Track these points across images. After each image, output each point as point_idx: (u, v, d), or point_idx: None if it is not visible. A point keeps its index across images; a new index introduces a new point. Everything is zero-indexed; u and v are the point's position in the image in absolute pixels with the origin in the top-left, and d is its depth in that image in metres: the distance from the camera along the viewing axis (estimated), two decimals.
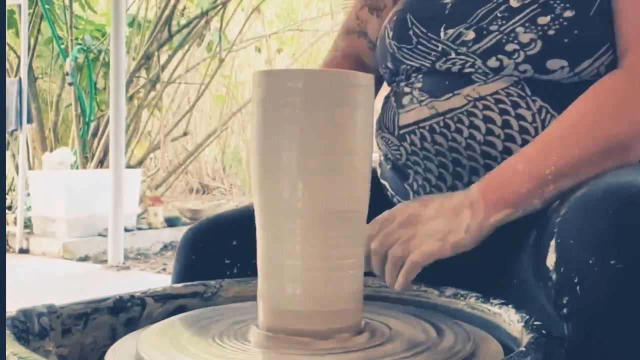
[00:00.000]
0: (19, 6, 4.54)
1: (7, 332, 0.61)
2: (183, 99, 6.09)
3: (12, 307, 0.67)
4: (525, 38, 0.83)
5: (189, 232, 0.97)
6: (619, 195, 0.63)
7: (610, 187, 0.64)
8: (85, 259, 4.05)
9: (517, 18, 0.84)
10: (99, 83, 5.09)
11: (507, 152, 0.83)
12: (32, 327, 0.67)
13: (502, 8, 0.86)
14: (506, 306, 0.69)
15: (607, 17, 0.83)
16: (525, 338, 0.60)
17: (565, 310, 0.62)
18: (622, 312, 0.60)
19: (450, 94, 0.87)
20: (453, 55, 0.88)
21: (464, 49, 0.87)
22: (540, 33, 0.82)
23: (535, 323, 0.62)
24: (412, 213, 0.77)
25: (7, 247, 4.31)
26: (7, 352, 0.55)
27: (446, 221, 0.75)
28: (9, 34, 5.10)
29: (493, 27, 0.85)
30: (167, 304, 0.78)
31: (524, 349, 0.57)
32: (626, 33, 0.81)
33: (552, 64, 0.82)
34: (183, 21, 5.26)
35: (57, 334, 0.69)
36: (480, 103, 0.85)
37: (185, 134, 5.80)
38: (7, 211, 4.71)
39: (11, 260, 3.94)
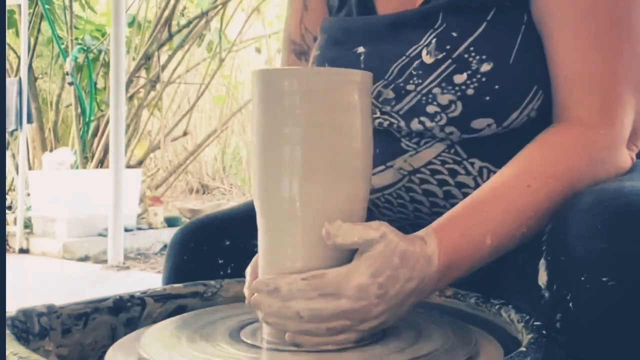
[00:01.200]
0: (19, 6, 4.54)
1: (7, 332, 0.61)
2: (183, 99, 6.09)
3: (12, 307, 0.67)
4: (444, 100, 0.76)
5: (179, 231, 0.94)
6: (608, 207, 0.60)
7: (597, 197, 0.62)
8: (85, 259, 4.04)
9: (432, 77, 0.76)
10: (99, 83, 5.09)
11: None
12: (32, 327, 0.67)
13: (415, 64, 0.78)
14: (506, 306, 0.69)
15: (530, 59, 0.76)
16: (525, 338, 0.60)
17: (558, 325, 0.62)
18: (615, 329, 0.59)
19: (383, 167, 0.82)
20: (378, 113, 0.81)
21: (387, 108, 0.80)
22: (459, 94, 0.75)
23: (535, 323, 0.62)
24: (359, 307, 0.60)
25: (7, 247, 4.31)
26: (7, 352, 0.55)
27: (395, 311, 0.63)
28: (9, 34, 5.10)
29: (410, 87, 0.78)
30: (167, 304, 0.78)
31: (524, 349, 0.57)
32: (568, 81, 0.74)
33: (478, 123, 0.76)
34: (183, 21, 5.26)
35: (57, 334, 0.69)
36: (416, 177, 0.80)
37: (185, 134, 5.80)
38: (7, 211, 4.71)
39: (11, 260, 3.94)
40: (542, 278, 0.64)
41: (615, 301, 0.58)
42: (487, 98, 0.75)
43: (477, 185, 0.77)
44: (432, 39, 0.77)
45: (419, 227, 0.80)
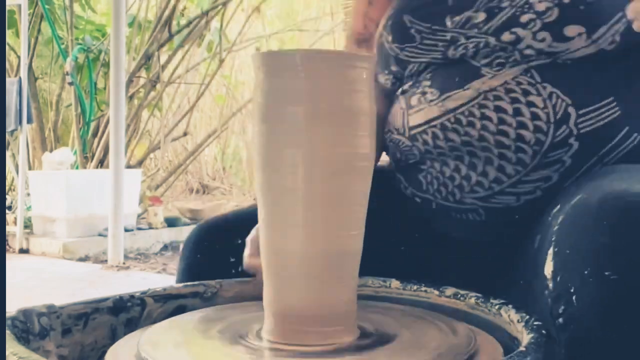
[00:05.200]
0: (19, 6, 4.54)
1: (7, 332, 0.61)
2: (183, 99, 6.09)
3: (12, 307, 0.67)
4: (541, 7, 0.83)
5: (194, 231, 0.98)
6: (615, 205, 0.62)
7: (606, 195, 0.64)
8: (85, 259, 4.05)
9: None
10: (99, 83, 5.09)
11: (520, 139, 0.83)
12: (32, 327, 0.67)
13: None
14: (506, 306, 0.69)
15: None
16: (525, 338, 0.60)
17: (561, 320, 0.62)
18: (617, 324, 0.59)
19: (460, 90, 0.86)
20: (462, 40, 0.87)
21: (474, 31, 0.86)
22: (557, 1, 0.83)
23: (535, 323, 0.62)
24: None
25: (7, 247, 4.31)
26: (7, 352, 0.55)
27: None
28: (9, 34, 5.10)
29: (505, 4, 0.85)
30: (167, 304, 0.78)
31: (524, 348, 0.57)
32: None
33: (570, 30, 0.82)
34: (183, 21, 5.26)
35: (57, 334, 0.69)
36: (491, 94, 0.85)
37: (185, 134, 5.80)
38: (7, 211, 4.71)
39: (11, 260, 3.94)
40: (549, 268, 0.65)
41: (617, 295, 0.59)
42: (582, 7, 0.82)
43: (545, 107, 0.83)
44: None
45: (477, 155, 0.85)
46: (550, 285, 0.64)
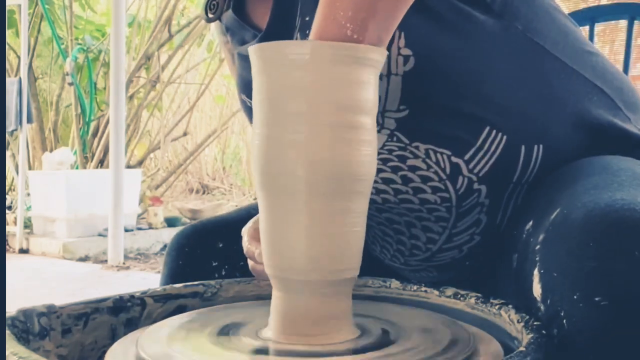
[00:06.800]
0: (19, 6, 4.55)
1: (7, 332, 0.61)
2: (183, 99, 6.09)
3: (12, 307, 0.67)
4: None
5: (175, 237, 0.97)
6: (599, 224, 0.59)
7: (589, 212, 0.60)
8: (85, 259, 4.05)
9: None
10: (99, 83, 5.10)
11: (426, 202, 0.79)
12: (32, 327, 0.67)
13: None
14: (506, 306, 0.69)
15: None
16: (525, 338, 0.60)
17: (556, 341, 0.61)
18: (608, 350, 0.58)
19: None
20: None
21: None
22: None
23: (535, 323, 0.62)
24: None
25: (7, 247, 4.32)
26: (7, 352, 0.55)
27: None
28: (9, 34, 5.11)
29: None
30: (167, 304, 0.78)
31: (524, 349, 0.57)
32: None
33: None
34: (183, 21, 5.27)
35: (57, 334, 0.69)
36: None
37: (185, 134, 5.80)
38: (7, 211, 4.72)
39: (11, 260, 3.94)
40: (537, 290, 0.63)
41: (608, 321, 0.57)
42: None
43: (430, 167, 0.77)
44: None
45: (396, 220, 0.82)
46: (542, 307, 0.62)
